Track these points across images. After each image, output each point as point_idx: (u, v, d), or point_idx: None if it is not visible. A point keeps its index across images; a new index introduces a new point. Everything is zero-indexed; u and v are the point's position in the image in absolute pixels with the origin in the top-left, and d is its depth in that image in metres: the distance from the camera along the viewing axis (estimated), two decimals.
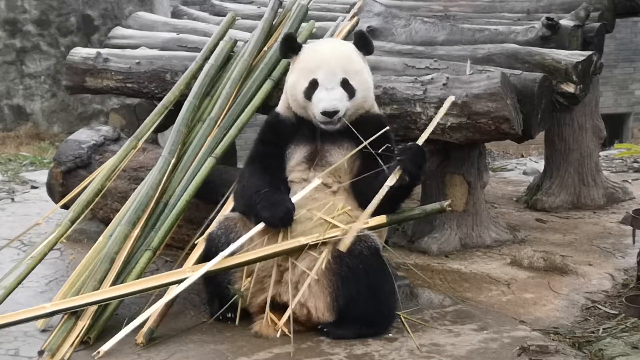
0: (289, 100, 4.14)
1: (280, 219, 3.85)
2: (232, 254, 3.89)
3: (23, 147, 11.68)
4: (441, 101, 4.69)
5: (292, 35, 4.28)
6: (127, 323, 3.80)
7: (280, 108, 4.26)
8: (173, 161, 4.65)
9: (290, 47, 4.17)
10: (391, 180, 3.81)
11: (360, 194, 4.00)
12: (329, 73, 4.00)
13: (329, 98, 3.95)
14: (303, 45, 4.22)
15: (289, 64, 4.27)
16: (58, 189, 5.49)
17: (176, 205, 4.49)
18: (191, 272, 3.91)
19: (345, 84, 4.01)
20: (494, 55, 5.11)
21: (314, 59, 4.08)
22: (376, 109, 4.26)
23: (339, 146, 4.04)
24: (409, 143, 4.00)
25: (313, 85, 4.01)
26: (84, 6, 13.38)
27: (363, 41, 4.17)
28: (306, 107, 4.05)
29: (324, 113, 3.94)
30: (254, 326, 3.92)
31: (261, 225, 3.89)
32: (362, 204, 3.96)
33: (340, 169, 4.01)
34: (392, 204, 3.93)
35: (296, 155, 4.09)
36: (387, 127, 4.04)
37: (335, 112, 3.95)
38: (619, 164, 7.85)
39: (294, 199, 3.91)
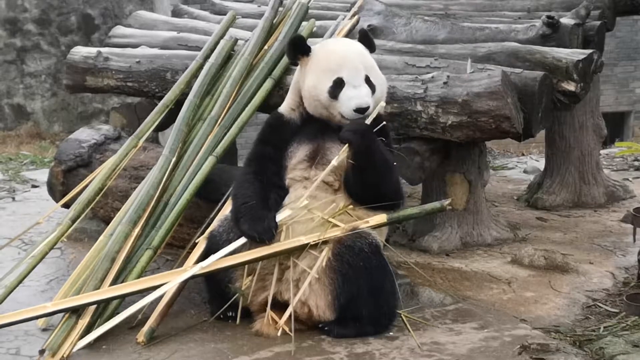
0: (307, 102, 4.11)
1: (259, 233, 3.86)
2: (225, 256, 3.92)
3: (24, 146, 11.68)
4: (442, 99, 4.70)
5: (300, 37, 4.30)
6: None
7: (283, 109, 4.26)
8: (174, 160, 4.65)
9: (300, 49, 4.15)
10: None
11: (347, 187, 4.02)
12: (354, 70, 4.02)
13: (360, 95, 3.97)
14: (312, 46, 4.20)
15: (289, 63, 4.25)
16: (59, 188, 5.49)
17: (177, 204, 4.49)
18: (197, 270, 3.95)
19: (368, 80, 4.04)
20: (494, 53, 5.11)
21: (334, 58, 4.07)
22: None
23: (340, 145, 4.04)
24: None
25: (338, 84, 4.00)
26: (84, 5, 13.37)
27: (367, 39, 4.24)
28: (329, 107, 4.04)
29: (358, 110, 3.96)
30: (254, 325, 3.93)
31: (242, 239, 3.92)
32: (352, 197, 3.99)
33: (342, 167, 4.01)
34: (359, 174, 3.94)
35: (298, 154, 4.09)
36: (384, 122, 4.05)
37: (367, 108, 3.98)
38: (620, 162, 7.85)
39: (279, 217, 3.93)
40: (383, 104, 4.13)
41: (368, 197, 3.95)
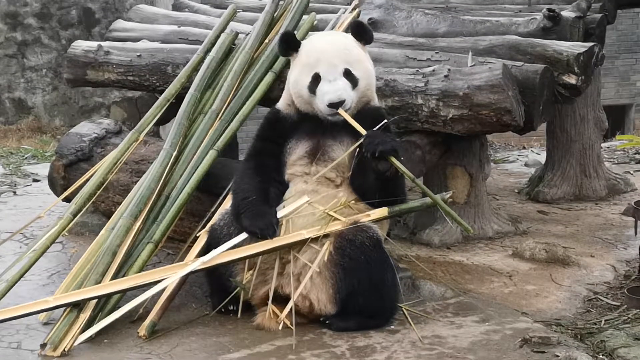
0: (293, 97, 4.14)
1: (261, 229, 3.87)
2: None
3: (25, 140, 11.66)
4: (442, 93, 4.70)
5: (290, 33, 4.30)
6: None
7: (281, 104, 4.26)
8: (175, 154, 4.65)
9: (290, 45, 4.17)
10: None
11: (356, 186, 4.01)
12: (330, 65, 4.00)
13: (334, 89, 3.95)
14: (302, 41, 4.22)
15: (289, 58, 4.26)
16: (60, 182, 5.49)
17: (178, 198, 4.49)
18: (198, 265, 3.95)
19: (348, 74, 4.02)
20: (495, 46, 5.10)
21: (313, 53, 4.08)
22: (376, 102, 4.26)
23: (340, 142, 4.04)
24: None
25: (315, 79, 4.02)
26: None
27: (360, 31, 4.17)
28: (311, 102, 4.05)
29: (331, 105, 3.95)
30: (256, 318, 3.93)
31: (244, 234, 3.92)
32: (361, 196, 4.00)
33: (343, 164, 4.01)
34: (387, 189, 3.94)
35: (298, 150, 4.09)
36: (386, 120, 4.04)
37: (342, 102, 3.96)
38: (621, 155, 7.85)
39: (280, 213, 3.93)
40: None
41: (378, 195, 3.95)
